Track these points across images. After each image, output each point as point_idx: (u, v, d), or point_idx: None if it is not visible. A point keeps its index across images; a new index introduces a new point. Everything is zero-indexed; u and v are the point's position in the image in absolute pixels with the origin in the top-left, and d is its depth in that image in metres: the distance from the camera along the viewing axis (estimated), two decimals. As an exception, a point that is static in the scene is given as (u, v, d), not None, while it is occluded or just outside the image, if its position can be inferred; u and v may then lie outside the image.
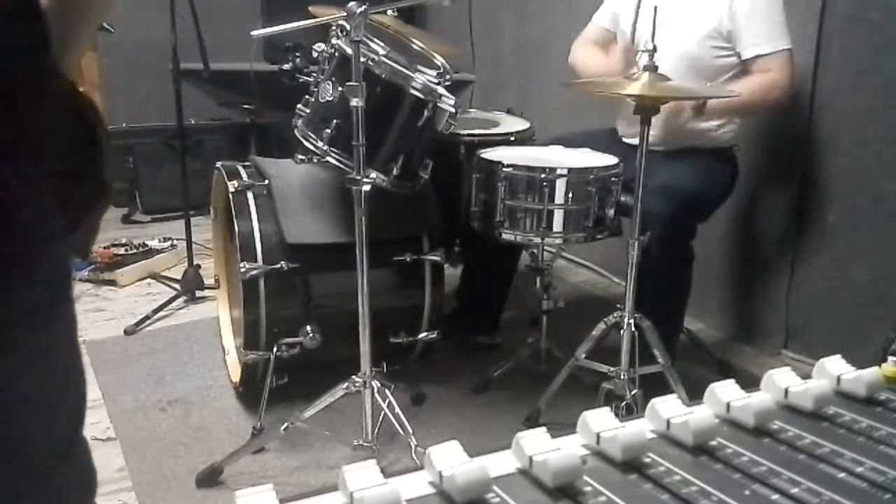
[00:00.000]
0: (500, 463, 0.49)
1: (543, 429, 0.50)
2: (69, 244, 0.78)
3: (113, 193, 0.81)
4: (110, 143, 0.79)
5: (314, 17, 1.96)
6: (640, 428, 0.51)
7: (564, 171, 1.96)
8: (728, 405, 0.56)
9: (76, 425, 0.81)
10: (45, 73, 0.71)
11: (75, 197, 0.76)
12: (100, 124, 0.78)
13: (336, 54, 1.87)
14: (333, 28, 1.89)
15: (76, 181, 0.76)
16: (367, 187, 1.70)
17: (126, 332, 2.63)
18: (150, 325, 2.69)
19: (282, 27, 1.82)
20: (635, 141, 1.86)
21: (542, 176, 1.93)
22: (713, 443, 0.53)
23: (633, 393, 1.90)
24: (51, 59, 0.71)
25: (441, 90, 1.92)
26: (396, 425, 1.84)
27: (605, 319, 1.97)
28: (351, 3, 1.65)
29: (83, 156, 0.77)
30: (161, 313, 2.74)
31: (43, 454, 0.75)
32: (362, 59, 1.67)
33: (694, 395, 0.59)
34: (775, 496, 0.46)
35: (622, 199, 2.04)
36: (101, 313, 2.83)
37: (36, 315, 0.72)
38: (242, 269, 1.97)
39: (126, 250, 3.25)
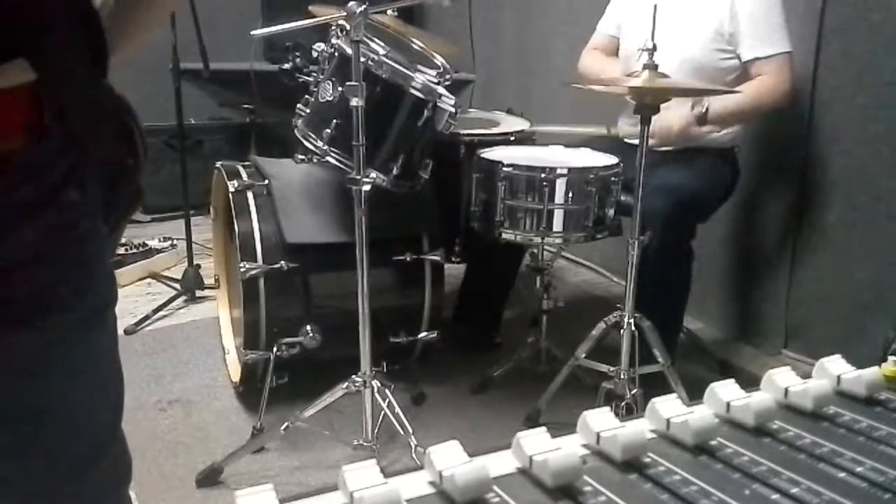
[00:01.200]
0: (500, 463, 0.49)
1: (543, 429, 0.50)
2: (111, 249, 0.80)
3: (144, 195, 0.83)
4: (146, 149, 0.82)
5: (314, 16, 1.96)
6: (640, 428, 0.52)
7: (564, 171, 1.96)
8: (728, 405, 0.56)
9: (116, 422, 0.83)
10: (98, 78, 0.73)
11: (115, 204, 0.78)
12: (139, 131, 0.80)
13: (336, 54, 1.88)
14: (333, 28, 1.89)
15: (117, 189, 0.78)
16: (367, 187, 1.70)
17: (126, 332, 2.63)
18: (150, 324, 2.69)
19: (282, 27, 1.82)
20: (636, 141, 1.86)
21: (542, 176, 1.93)
22: (713, 443, 0.53)
23: (633, 393, 1.90)
24: (105, 63, 0.73)
25: (441, 90, 1.92)
26: (396, 425, 1.84)
27: (605, 319, 1.97)
28: (351, 3, 1.65)
29: (125, 163, 0.79)
30: (161, 313, 2.74)
31: (85, 451, 0.78)
32: (362, 59, 1.67)
33: (694, 395, 0.59)
34: (775, 496, 0.46)
35: (622, 198, 2.04)
36: (101, 313, 2.83)
37: (90, 322, 0.75)
38: (242, 269, 1.97)
39: (126, 250, 3.25)
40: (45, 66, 0.65)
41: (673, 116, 2.07)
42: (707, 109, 2.08)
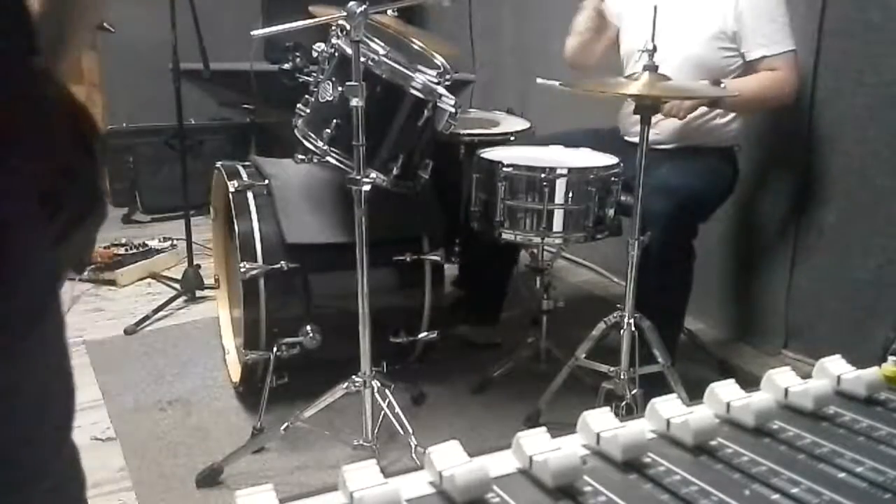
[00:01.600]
0: (500, 463, 0.49)
1: (543, 429, 0.50)
2: (58, 254, 0.76)
3: (107, 205, 0.79)
4: (106, 152, 0.78)
5: (314, 17, 1.96)
6: (640, 428, 0.51)
7: (564, 171, 1.96)
8: (728, 405, 0.56)
9: (64, 430, 0.79)
10: (32, 77, 0.70)
11: (64, 207, 0.74)
12: (95, 132, 0.77)
13: (336, 54, 1.88)
14: (333, 28, 1.89)
15: (65, 191, 0.74)
16: (367, 187, 1.70)
17: (126, 332, 2.63)
18: (150, 325, 2.69)
19: (282, 27, 1.82)
20: (636, 139, 1.86)
21: (542, 176, 1.93)
22: (713, 443, 0.53)
23: (633, 393, 1.90)
24: (39, 63, 0.70)
25: (441, 90, 1.92)
26: (396, 425, 1.84)
27: (605, 319, 1.97)
28: (351, 3, 1.65)
29: (74, 164, 0.75)
30: (161, 313, 2.74)
31: (30, 459, 0.74)
32: (362, 59, 1.67)
33: (694, 395, 0.59)
34: (775, 496, 0.46)
35: (622, 198, 2.04)
36: (101, 313, 2.83)
37: (16, 324, 0.70)
38: (242, 269, 1.97)
39: (126, 250, 3.25)
40: None
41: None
42: (723, 87, 2.07)
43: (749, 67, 2.14)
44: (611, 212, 2.02)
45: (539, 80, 2.19)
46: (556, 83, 2.12)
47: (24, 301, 0.70)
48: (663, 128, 2.22)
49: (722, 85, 2.07)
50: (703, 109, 2.12)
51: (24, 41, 0.68)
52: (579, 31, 2.32)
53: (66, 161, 0.74)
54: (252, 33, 1.88)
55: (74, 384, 0.80)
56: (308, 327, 2.03)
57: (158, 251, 3.31)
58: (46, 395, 0.76)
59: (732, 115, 2.24)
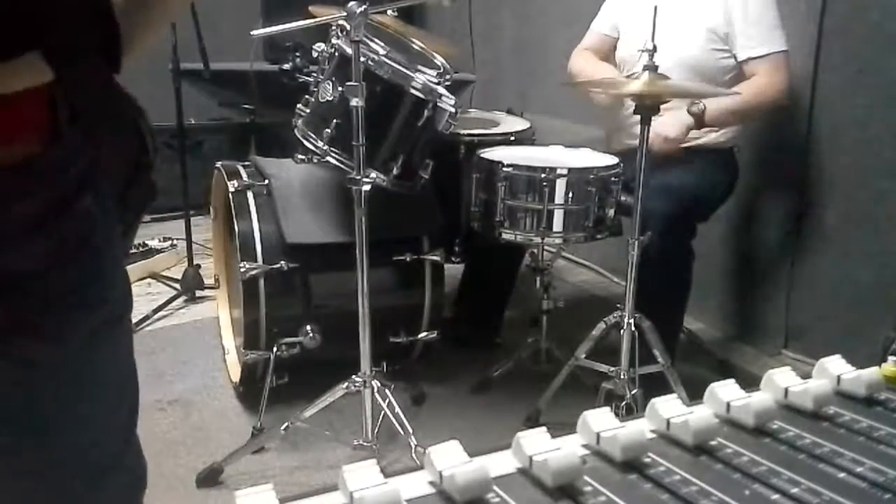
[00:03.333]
0: (500, 463, 0.49)
1: (543, 429, 0.50)
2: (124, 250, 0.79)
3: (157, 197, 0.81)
4: (157, 146, 0.79)
5: (314, 17, 1.96)
6: (640, 428, 0.51)
7: (564, 171, 1.96)
8: (728, 405, 0.56)
9: (130, 430, 0.82)
10: (112, 77, 0.70)
11: (130, 204, 0.76)
12: (150, 131, 0.78)
13: (336, 54, 1.87)
14: (333, 28, 1.89)
15: (131, 188, 0.76)
16: (367, 187, 1.70)
17: (126, 332, 2.63)
18: (150, 324, 2.69)
19: (282, 27, 1.82)
20: (636, 141, 1.86)
21: (542, 176, 1.93)
22: (713, 443, 0.53)
23: (633, 393, 1.90)
24: (119, 62, 0.70)
25: (441, 90, 1.92)
26: (396, 425, 1.84)
27: (605, 319, 1.97)
28: (351, 3, 1.65)
29: (138, 162, 0.76)
30: (161, 313, 2.75)
31: (100, 460, 0.76)
32: (362, 59, 1.67)
33: (694, 395, 0.59)
34: (775, 496, 0.46)
35: (622, 199, 2.04)
36: (101, 313, 2.83)
37: (104, 333, 0.73)
38: (242, 269, 1.97)
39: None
40: (61, 64, 0.61)
41: (668, 124, 2.06)
42: (704, 109, 2.08)
43: (740, 69, 2.15)
44: (611, 212, 2.02)
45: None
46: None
47: (111, 308, 0.74)
48: (659, 141, 2.22)
49: (702, 107, 2.07)
50: (692, 133, 2.13)
51: (109, 39, 0.68)
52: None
53: (133, 165, 0.76)
54: (252, 33, 1.88)
55: (138, 385, 0.83)
56: (308, 327, 2.03)
57: (158, 251, 3.31)
58: (124, 385, 0.80)
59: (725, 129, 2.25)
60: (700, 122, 2.09)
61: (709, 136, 2.24)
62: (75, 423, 0.73)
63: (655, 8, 1.76)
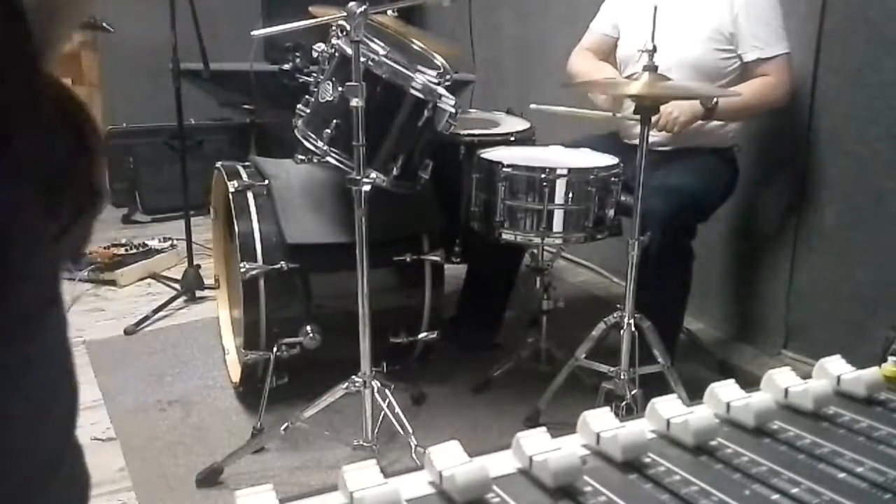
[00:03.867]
0: (500, 463, 0.49)
1: (543, 429, 0.50)
2: (59, 250, 0.76)
3: (105, 198, 0.79)
4: (101, 146, 0.77)
5: (314, 17, 1.96)
6: (640, 428, 0.51)
7: (564, 171, 1.96)
8: (728, 405, 0.56)
9: (68, 433, 0.79)
10: (30, 72, 0.69)
11: (65, 202, 0.74)
12: (90, 126, 0.76)
13: (336, 54, 1.87)
14: (333, 28, 1.89)
15: (65, 186, 0.74)
16: (367, 187, 1.70)
17: (126, 332, 2.63)
18: (150, 325, 2.69)
19: (282, 27, 1.82)
20: (636, 141, 1.86)
21: (542, 176, 1.93)
22: (713, 443, 0.53)
23: (633, 393, 1.90)
24: (34, 57, 0.69)
25: (441, 90, 1.92)
26: (396, 425, 1.84)
27: (605, 319, 1.97)
28: (351, 3, 1.65)
29: (72, 160, 0.75)
30: (161, 313, 2.75)
31: (32, 466, 0.74)
32: (362, 59, 1.67)
33: (694, 395, 0.59)
34: (775, 496, 0.46)
35: (622, 199, 2.04)
36: (101, 313, 2.83)
37: (23, 324, 0.71)
38: (242, 269, 1.97)
39: (126, 250, 3.25)
40: None
41: (681, 106, 2.06)
42: (716, 103, 2.08)
43: (745, 69, 2.15)
44: (611, 212, 2.02)
45: (533, 107, 2.20)
46: (553, 108, 2.14)
47: (30, 299, 0.71)
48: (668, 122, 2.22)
49: (714, 100, 2.07)
50: (698, 123, 2.12)
51: (20, 32, 0.67)
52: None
53: (65, 157, 0.74)
54: (252, 33, 1.88)
55: (77, 382, 0.80)
56: (308, 327, 2.03)
57: (158, 251, 3.31)
58: (54, 391, 0.76)
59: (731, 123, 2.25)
60: (710, 114, 2.10)
61: (709, 136, 2.24)
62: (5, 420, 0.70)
63: (655, 8, 1.76)
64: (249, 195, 2.06)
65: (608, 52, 2.41)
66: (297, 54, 2.07)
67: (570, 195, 1.96)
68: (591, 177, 1.96)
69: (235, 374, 2.18)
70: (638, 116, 1.81)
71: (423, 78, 1.89)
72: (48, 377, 0.75)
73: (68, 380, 0.77)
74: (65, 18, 0.78)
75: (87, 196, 0.77)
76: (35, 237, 0.70)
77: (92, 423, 2.08)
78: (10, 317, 0.68)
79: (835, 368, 0.62)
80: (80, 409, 0.80)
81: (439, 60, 2.03)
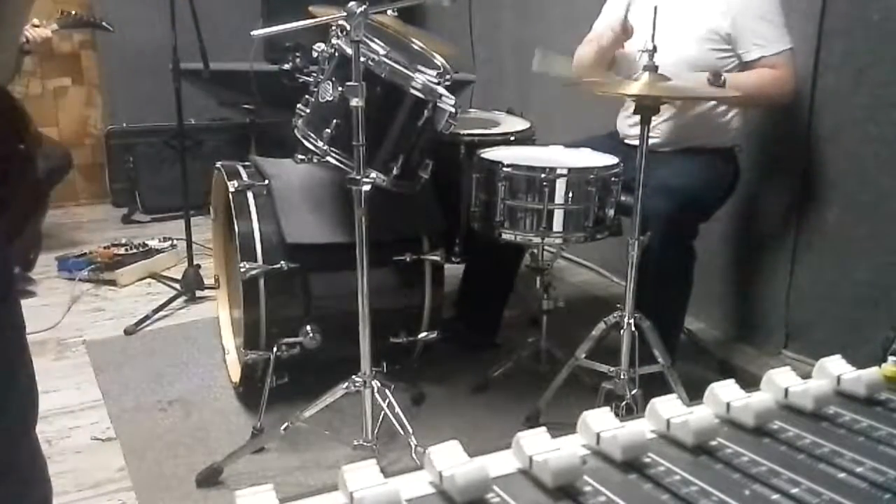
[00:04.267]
0: (500, 463, 0.49)
1: (543, 429, 0.50)
2: (11, 252, 0.75)
3: (48, 201, 0.78)
4: (40, 146, 0.76)
5: (314, 17, 1.96)
6: (640, 428, 0.51)
7: (564, 171, 1.96)
8: (728, 405, 0.56)
9: (20, 438, 0.77)
10: None
11: (8, 206, 0.74)
12: (27, 126, 0.75)
13: (336, 54, 1.87)
14: (333, 28, 1.89)
15: (9, 188, 0.73)
16: (367, 187, 1.70)
17: (126, 332, 2.63)
18: (150, 325, 2.69)
19: (282, 27, 1.82)
20: (636, 142, 1.86)
21: (542, 176, 1.93)
22: (713, 443, 0.53)
23: (633, 393, 1.90)
24: None
25: (441, 90, 1.92)
26: (396, 425, 1.84)
27: (605, 319, 1.97)
28: (351, 3, 1.65)
29: (12, 162, 0.74)
30: (161, 313, 2.75)
31: None
32: (362, 59, 1.67)
33: (694, 395, 0.59)
34: (775, 496, 0.46)
35: (622, 198, 2.04)
36: (101, 313, 2.83)
37: None
38: (242, 269, 1.97)
39: (126, 250, 3.25)
40: None
41: (688, 80, 2.05)
42: (724, 81, 2.07)
43: (746, 68, 2.15)
44: (611, 212, 2.02)
45: (536, 62, 2.18)
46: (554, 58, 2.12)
47: None
48: (663, 131, 2.23)
49: (723, 78, 2.07)
50: (708, 105, 2.12)
51: None
52: (603, 45, 2.28)
53: (4, 160, 0.73)
54: (252, 33, 1.87)
55: (35, 385, 0.78)
56: (308, 327, 2.03)
57: (158, 251, 3.31)
58: (4, 391, 0.75)
59: (732, 114, 2.24)
60: (717, 82, 2.08)
61: (710, 137, 2.24)
62: None
63: (655, 8, 1.75)
64: (249, 195, 2.06)
65: None
66: (297, 54, 2.07)
67: (570, 195, 1.96)
68: (591, 177, 1.96)
69: (235, 374, 2.18)
70: (634, 129, 1.81)
71: (423, 78, 1.89)
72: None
73: (21, 380, 0.76)
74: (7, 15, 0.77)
75: (31, 199, 0.76)
76: None
77: (92, 423, 2.08)
78: None
79: (835, 368, 0.62)
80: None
81: (439, 60, 2.03)
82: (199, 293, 2.90)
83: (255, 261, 1.99)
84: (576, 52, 2.45)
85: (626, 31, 2.16)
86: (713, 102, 2.14)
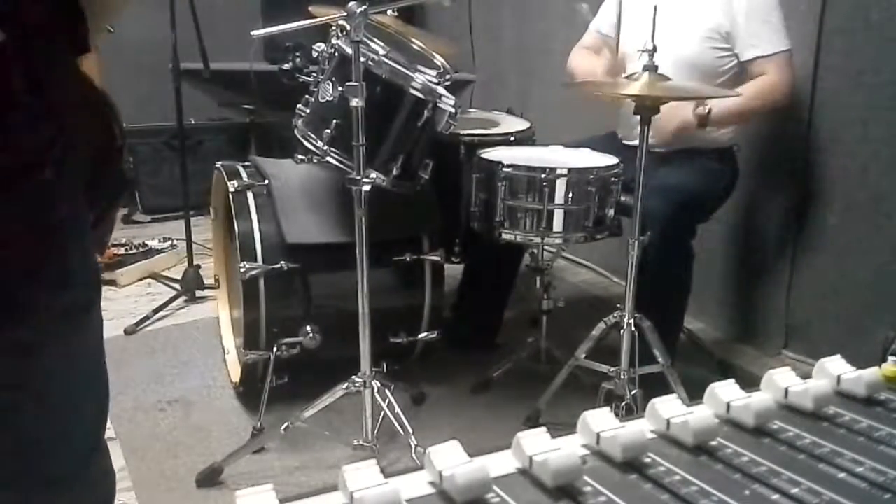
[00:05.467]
0: (500, 463, 0.49)
1: (543, 429, 0.50)
2: (93, 240, 0.77)
3: (131, 186, 0.80)
4: (125, 137, 0.78)
5: (314, 17, 1.96)
6: (640, 428, 0.51)
7: (564, 171, 1.96)
8: (728, 405, 0.56)
9: (97, 434, 0.79)
10: (77, 67, 0.70)
11: (100, 191, 0.75)
12: (116, 117, 0.77)
13: (336, 54, 1.87)
14: (333, 28, 1.89)
15: (100, 175, 0.75)
16: (367, 187, 1.70)
17: (126, 332, 2.63)
18: (150, 325, 2.69)
19: (282, 27, 1.82)
20: (635, 143, 1.86)
21: (542, 176, 1.93)
22: (713, 443, 0.52)
23: (633, 393, 1.90)
24: (86, 45, 0.70)
25: (441, 90, 1.92)
26: (396, 425, 1.84)
27: (605, 319, 1.97)
28: (351, 3, 1.65)
29: (105, 150, 0.75)
30: (161, 313, 2.75)
31: (61, 462, 0.73)
32: (362, 59, 1.67)
33: (694, 395, 0.59)
34: (775, 496, 0.46)
35: (622, 199, 2.04)
36: (101, 313, 2.83)
37: (68, 321, 0.70)
38: (242, 269, 1.97)
39: (126, 250, 3.25)
40: (15, 26, 0.59)
41: (672, 116, 2.07)
42: (709, 111, 2.08)
43: (743, 68, 2.15)
44: (611, 212, 2.02)
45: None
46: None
47: (74, 294, 0.71)
48: (660, 133, 2.22)
49: (707, 108, 2.07)
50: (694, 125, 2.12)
51: (72, 17, 0.67)
52: (597, 72, 2.29)
53: (102, 149, 0.74)
54: (252, 33, 1.87)
55: (108, 384, 0.80)
56: (308, 327, 2.03)
57: (158, 251, 3.31)
58: (92, 381, 0.77)
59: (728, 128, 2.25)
60: (703, 123, 2.10)
61: (709, 137, 2.24)
62: (36, 420, 0.69)
63: (655, 8, 1.75)
64: (249, 195, 2.06)
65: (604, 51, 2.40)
66: (297, 54, 2.07)
67: (570, 195, 1.96)
68: (591, 177, 1.96)
69: (235, 374, 2.18)
70: (634, 130, 1.82)
71: (423, 78, 1.89)
72: (87, 374, 0.75)
73: (102, 381, 0.78)
74: (102, 12, 0.78)
75: (118, 185, 0.78)
76: (83, 228, 0.71)
77: (92, 423, 2.08)
78: (63, 307, 0.68)
79: (835, 368, 0.62)
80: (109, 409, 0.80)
81: (439, 60, 2.02)
82: (199, 293, 2.90)
83: (255, 261, 1.99)
84: (570, 57, 2.46)
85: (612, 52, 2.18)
86: (715, 113, 2.13)
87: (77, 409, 0.75)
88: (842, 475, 0.49)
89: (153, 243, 3.37)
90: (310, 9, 2.07)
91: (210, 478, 1.82)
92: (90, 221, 0.74)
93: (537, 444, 0.49)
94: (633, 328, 1.90)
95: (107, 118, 0.75)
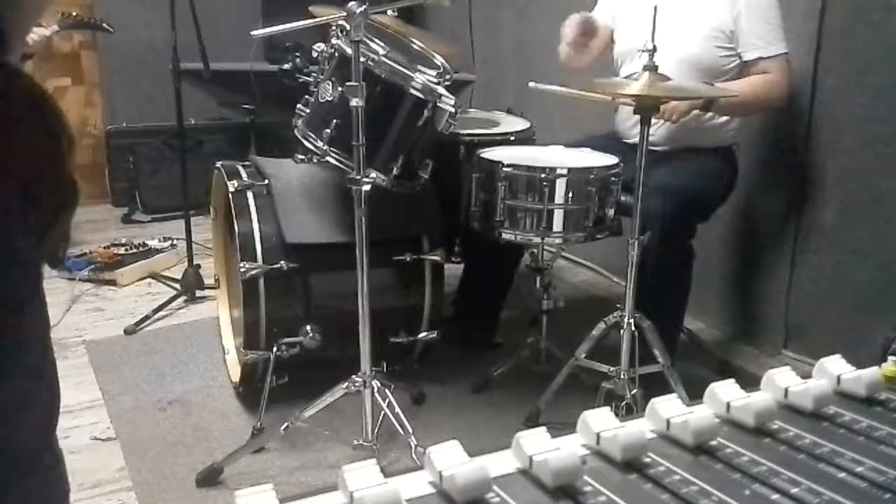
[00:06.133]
0: (500, 463, 0.49)
1: (543, 429, 0.50)
2: (38, 250, 0.76)
3: (79, 194, 0.78)
4: (74, 144, 0.76)
5: (314, 17, 1.96)
6: (640, 428, 0.51)
7: (564, 171, 1.96)
8: (728, 405, 0.56)
9: (46, 433, 0.78)
10: (5, 72, 0.69)
11: (42, 201, 0.73)
12: (62, 125, 0.76)
13: (336, 54, 1.87)
14: (333, 28, 1.89)
15: (42, 185, 0.73)
16: (367, 187, 1.70)
17: (126, 332, 2.63)
18: (150, 325, 2.69)
19: (282, 27, 1.82)
20: (635, 141, 1.86)
21: (542, 176, 1.93)
22: (713, 443, 0.53)
23: (633, 393, 1.90)
24: (8, 56, 0.68)
25: (441, 90, 1.92)
26: (396, 425, 1.84)
27: (605, 319, 1.97)
28: (351, 3, 1.65)
29: (47, 159, 0.74)
30: (161, 313, 2.75)
31: (10, 459, 0.72)
32: (362, 59, 1.67)
33: (694, 395, 0.59)
34: (775, 496, 0.46)
35: (622, 198, 2.04)
36: (101, 313, 2.83)
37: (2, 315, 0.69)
38: (242, 269, 1.97)
39: (126, 250, 3.26)
40: None
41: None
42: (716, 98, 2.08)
43: (745, 68, 2.15)
44: (611, 212, 2.02)
45: (532, 85, 2.18)
46: (552, 87, 2.12)
47: (6, 297, 0.69)
48: (660, 131, 2.23)
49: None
50: (696, 112, 2.12)
51: None
52: (567, 42, 2.28)
53: (39, 155, 0.73)
54: (252, 33, 1.87)
55: (58, 386, 0.79)
56: (308, 327, 2.03)
57: (158, 251, 3.31)
58: (32, 388, 0.75)
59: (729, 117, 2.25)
60: (708, 105, 2.09)
61: (709, 135, 2.24)
62: None
63: (655, 7, 1.75)
64: (249, 195, 2.06)
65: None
66: (297, 54, 2.07)
67: (570, 195, 1.96)
68: (591, 176, 1.95)
69: (235, 373, 2.18)
70: (634, 130, 1.81)
71: (423, 78, 1.89)
72: (28, 372, 0.74)
73: (48, 383, 0.76)
74: (30, 9, 0.77)
75: (63, 193, 0.76)
76: (14, 236, 0.69)
77: (92, 423, 2.08)
78: None
79: (835, 368, 0.62)
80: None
81: (439, 60, 2.02)
82: (199, 293, 2.90)
83: (255, 261, 1.99)
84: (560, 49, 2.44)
85: (587, 32, 2.16)
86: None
87: (19, 412, 0.73)
88: (842, 475, 0.49)
89: (153, 243, 3.37)
90: (310, 9, 2.07)
91: (210, 478, 1.82)
92: (25, 229, 0.72)
93: (537, 444, 0.49)
94: (633, 328, 1.89)
95: (48, 128, 0.73)
